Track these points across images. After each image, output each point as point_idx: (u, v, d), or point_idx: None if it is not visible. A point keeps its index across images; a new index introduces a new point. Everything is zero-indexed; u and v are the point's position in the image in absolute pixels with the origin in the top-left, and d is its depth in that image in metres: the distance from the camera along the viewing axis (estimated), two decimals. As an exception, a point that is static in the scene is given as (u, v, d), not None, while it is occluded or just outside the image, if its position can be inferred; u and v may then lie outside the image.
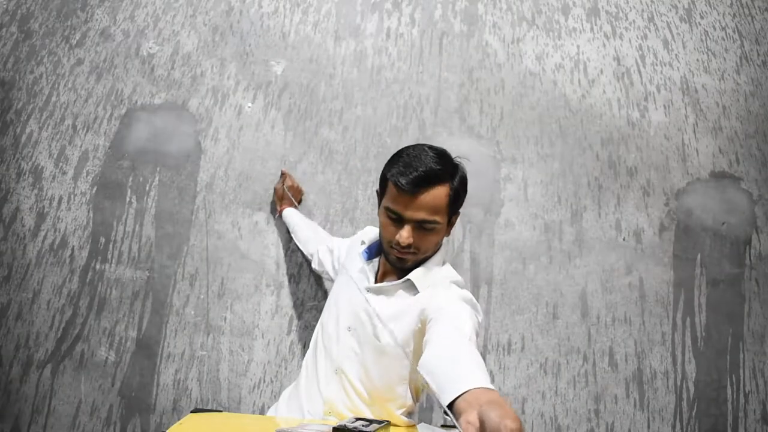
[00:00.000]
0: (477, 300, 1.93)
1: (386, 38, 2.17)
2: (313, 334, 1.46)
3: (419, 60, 2.16)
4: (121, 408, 1.88)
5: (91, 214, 2.00)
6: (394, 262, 1.31)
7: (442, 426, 1.17)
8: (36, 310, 1.93)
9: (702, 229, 2.06)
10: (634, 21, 2.23)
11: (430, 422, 1.15)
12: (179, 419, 1.31)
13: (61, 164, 2.03)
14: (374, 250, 1.42)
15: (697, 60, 2.20)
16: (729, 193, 2.08)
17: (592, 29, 2.21)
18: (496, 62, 2.16)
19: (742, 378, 1.96)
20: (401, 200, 1.23)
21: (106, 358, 1.91)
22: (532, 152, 2.10)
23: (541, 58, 2.18)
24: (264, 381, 1.89)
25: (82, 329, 1.92)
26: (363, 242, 1.45)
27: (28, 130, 2.05)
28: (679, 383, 1.95)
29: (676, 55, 2.20)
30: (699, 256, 2.04)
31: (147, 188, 2.02)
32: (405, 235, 1.24)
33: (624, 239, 2.04)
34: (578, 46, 2.19)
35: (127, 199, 2.01)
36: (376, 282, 1.37)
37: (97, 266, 1.96)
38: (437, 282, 1.30)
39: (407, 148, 1.29)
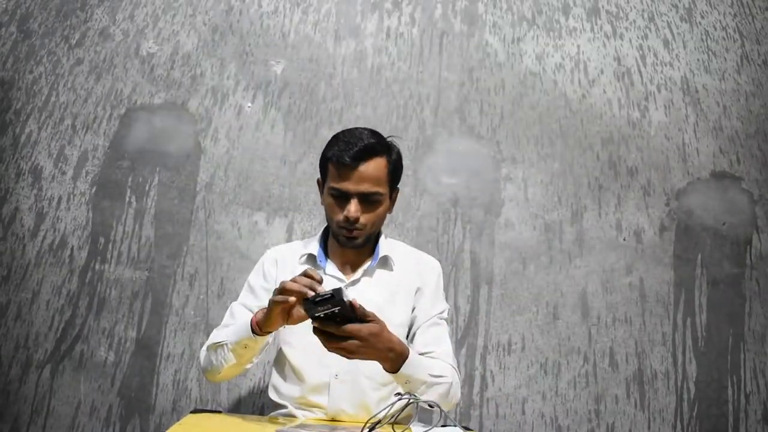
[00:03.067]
0: (477, 299, 1.96)
1: (386, 38, 2.17)
2: (279, 357, 1.41)
3: (419, 60, 2.15)
4: (120, 408, 1.88)
5: (91, 214, 1.99)
6: (345, 243, 1.34)
7: (442, 426, 1.17)
8: (35, 311, 1.92)
9: (702, 229, 2.05)
10: (634, 21, 2.23)
11: (429, 423, 1.14)
12: (179, 419, 1.30)
13: (60, 164, 2.03)
14: (322, 252, 1.41)
15: (698, 60, 2.20)
16: (730, 193, 2.08)
17: (592, 29, 2.21)
18: (496, 62, 2.16)
19: (743, 378, 1.95)
20: (344, 175, 1.29)
21: (106, 358, 1.90)
22: (532, 152, 2.09)
23: (542, 58, 2.17)
24: (264, 381, 1.89)
25: (82, 329, 1.92)
26: (303, 255, 1.41)
27: (27, 130, 2.05)
28: (679, 383, 1.95)
29: (676, 54, 2.20)
30: (699, 256, 2.04)
31: (146, 188, 2.02)
32: (353, 209, 1.29)
33: (624, 239, 2.04)
34: (578, 46, 2.19)
35: (127, 199, 2.01)
36: (346, 276, 1.39)
37: (97, 266, 1.96)
38: (407, 257, 1.44)
39: (341, 132, 1.38)
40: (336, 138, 1.36)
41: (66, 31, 2.14)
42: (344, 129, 1.41)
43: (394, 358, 1.15)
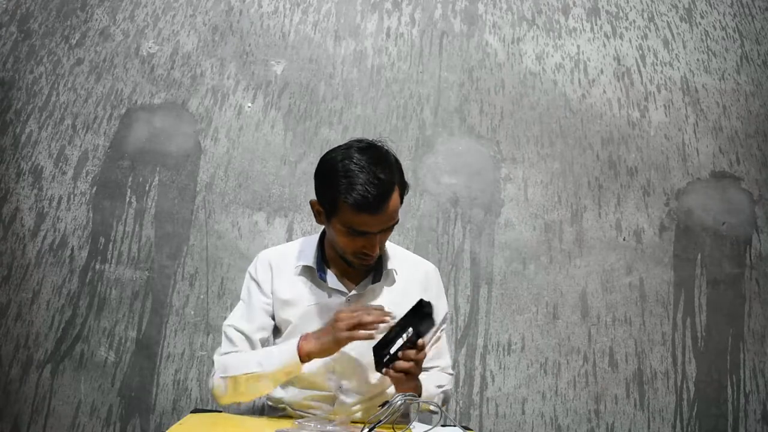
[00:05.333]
0: (477, 299, 1.96)
1: (386, 38, 2.17)
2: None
3: (419, 60, 2.15)
4: (120, 408, 1.88)
5: (91, 214, 2.00)
6: (359, 267, 1.30)
7: (442, 426, 1.17)
8: (36, 311, 1.93)
9: (702, 229, 2.05)
10: (634, 21, 2.23)
11: (429, 423, 1.14)
12: (179, 419, 1.30)
13: (60, 164, 2.03)
14: (320, 262, 1.35)
15: (698, 60, 2.20)
16: (729, 193, 2.08)
17: (592, 29, 2.21)
18: (496, 62, 2.16)
19: (742, 378, 1.95)
20: (366, 220, 1.18)
21: (106, 358, 1.91)
22: (532, 152, 2.10)
23: (541, 58, 2.17)
24: (264, 381, 1.89)
25: (82, 329, 1.92)
26: (299, 266, 1.34)
27: (27, 130, 2.05)
28: (679, 383, 1.95)
29: (676, 54, 2.20)
30: (699, 256, 2.04)
31: (147, 188, 2.02)
32: (376, 247, 1.24)
33: (624, 239, 2.04)
34: (578, 46, 2.19)
35: (127, 199, 2.01)
36: (347, 288, 1.35)
37: (97, 266, 1.96)
38: (407, 265, 1.41)
39: (337, 161, 1.21)
40: (336, 173, 1.19)
41: (66, 31, 2.14)
42: (336, 156, 1.22)
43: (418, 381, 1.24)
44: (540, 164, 2.09)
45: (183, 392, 1.89)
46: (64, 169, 2.03)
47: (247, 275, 1.40)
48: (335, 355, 1.27)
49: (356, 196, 1.15)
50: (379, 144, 1.27)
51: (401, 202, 1.27)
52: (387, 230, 1.25)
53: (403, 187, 1.27)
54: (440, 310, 1.42)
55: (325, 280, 1.33)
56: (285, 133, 2.07)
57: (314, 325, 1.30)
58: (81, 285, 1.95)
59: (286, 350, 1.21)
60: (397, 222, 1.26)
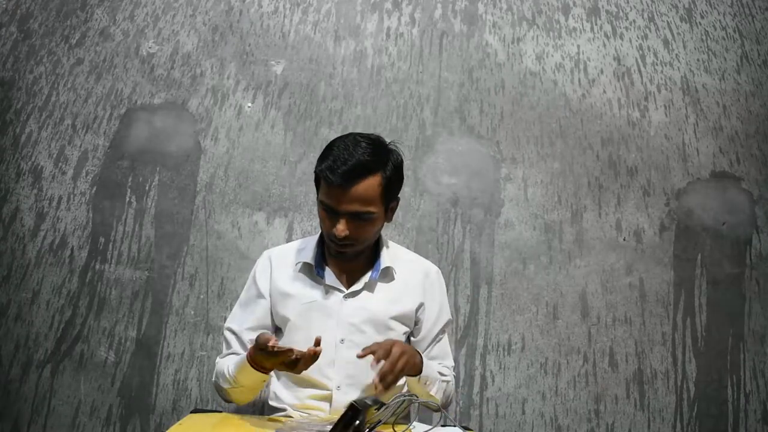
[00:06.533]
0: (477, 299, 1.96)
1: (386, 38, 2.17)
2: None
3: (419, 60, 2.15)
4: (120, 408, 1.88)
5: (91, 214, 2.00)
6: (335, 255, 1.32)
7: (442, 426, 1.17)
8: (35, 311, 1.93)
9: (702, 229, 2.05)
10: (634, 21, 2.23)
11: (429, 422, 1.14)
12: (179, 419, 1.30)
13: (60, 164, 2.03)
14: (319, 259, 1.37)
15: (698, 60, 2.20)
16: (729, 193, 2.08)
17: (592, 29, 2.21)
18: (496, 62, 2.16)
19: (742, 378, 1.95)
20: (333, 194, 1.23)
21: (106, 358, 1.91)
22: (532, 152, 2.10)
23: (542, 58, 2.17)
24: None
25: (82, 329, 1.92)
26: (299, 263, 1.36)
27: (27, 130, 2.05)
28: (679, 383, 1.95)
29: (676, 54, 2.20)
30: (699, 256, 2.04)
31: (147, 188, 2.02)
32: (341, 228, 1.23)
33: (624, 239, 2.04)
34: (578, 46, 2.19)
35: (127, 199, 2.01)
36: (344, 285, 1.36)
37: (97, 266, 1.96)
38: (408, 265, 1.41)
39: (338, 139, 1.29)
40: (330, 148, 1.27)
41: (66, 31, 2.14)
42: (342, 136, 1.31)
43: (419, 358, 1.23)
44: (540, 164, 2.09)
45: (183, 392, 1.89)
46: (64, 169, 2.03)
47: (248, 282, 1.43)
48: (332, 353, 1.29)
49: (326, 168, 1.22)
50: (388, 141, 1.31)
51: (385, 199, 1.27)
52: (358, 218, 1.24)
53: (391, 185, 1.28)
54: (442, 315, 1.42)
55: (322, 277, 1.34)
56: (285, 133, 2.07)
57: (311, 322, 1.31)
58: (81, 285, 1.95)
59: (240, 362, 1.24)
60: (370, 214, 1.25)
